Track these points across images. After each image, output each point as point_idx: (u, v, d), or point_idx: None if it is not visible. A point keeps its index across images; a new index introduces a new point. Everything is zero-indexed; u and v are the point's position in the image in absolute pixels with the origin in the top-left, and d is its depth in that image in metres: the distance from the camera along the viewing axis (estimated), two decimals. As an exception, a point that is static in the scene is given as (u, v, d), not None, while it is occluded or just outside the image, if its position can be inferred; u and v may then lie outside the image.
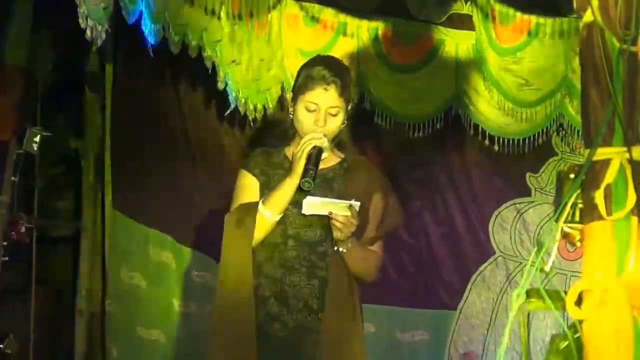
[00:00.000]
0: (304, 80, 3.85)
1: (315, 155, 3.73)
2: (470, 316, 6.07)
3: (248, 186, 3.92)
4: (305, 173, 3.70)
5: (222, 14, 5.12)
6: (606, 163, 2.27)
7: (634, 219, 2.25)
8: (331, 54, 5.62)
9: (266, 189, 3.86)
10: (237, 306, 3.81)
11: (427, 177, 6.10)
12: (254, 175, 3.92)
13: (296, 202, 3.80)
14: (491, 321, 6.05)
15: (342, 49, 5.66)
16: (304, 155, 3.72)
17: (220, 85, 5.20)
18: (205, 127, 5.80)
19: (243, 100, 5.32)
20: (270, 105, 5.46)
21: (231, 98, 5.29)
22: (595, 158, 2.28)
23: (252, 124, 5.52)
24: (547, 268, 2.25)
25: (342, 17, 5.69)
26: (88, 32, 4.44)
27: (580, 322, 2.25)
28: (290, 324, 3.82)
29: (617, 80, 2.28)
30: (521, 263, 6.02)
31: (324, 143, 3.77)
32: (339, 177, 3.92)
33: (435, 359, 6.09)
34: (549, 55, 5.72)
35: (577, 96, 5.37)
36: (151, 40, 4.83)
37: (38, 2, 5.46)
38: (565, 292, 2.26)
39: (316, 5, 5.65)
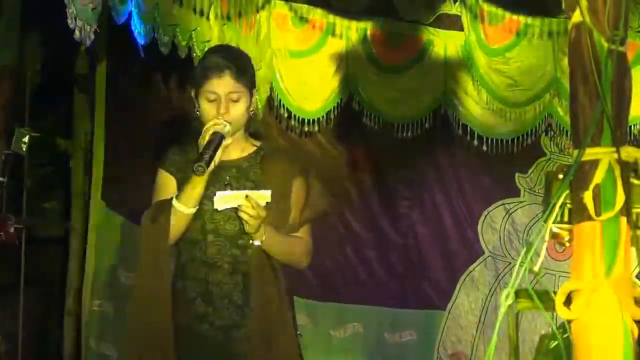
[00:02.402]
0: (201, 73, 3.81)
1: (216, 142, 3.64)
2: (459, 316, 6.08)
3: (165, 185, 3.87)
4: (199, 158, 3.60)
5: (211, 15, 5.12)
6: (595, 163, 2.28)
7: (623, 219, 2.26)
8: (320, 54, 5.68)
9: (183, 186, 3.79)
10: (154, 305, 3.76)
11: (416, 177, 6.10)
12: (170, 173, 3.88)
13: (212, 197, 3.74)
14: (480, 321, 6.06)
15: (330, 50, 5.67)
16: (204, 143, 3.66)
17: (209, 86, 5.18)
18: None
19: (232, 101, 5.31)
20: (259, 105, 5.45)
21: (220, 98, 5.28)
22: (584, 158, 2.28)
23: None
24: (536, 268, 2.26)
25: (331, 18, 5.69)
26: (77, 32, 4.43)
27: (569, 322, 2.26)
28: (218, 322, 3.77)
29: (605, 80, 2.28)
30: (510, 263, 6.02)
31: (225, 129, 3.69)
32: (255, 166, 3.88)
33: (423, 359, 6.09)
34: (538, 56, 5.73)
35: (566, 96, 5.39)
36: (141, 40, 4.83)
37: (27, 2, 5.45)
38: (555, 293, 2.26)
39: (305, 6, 5.66)
